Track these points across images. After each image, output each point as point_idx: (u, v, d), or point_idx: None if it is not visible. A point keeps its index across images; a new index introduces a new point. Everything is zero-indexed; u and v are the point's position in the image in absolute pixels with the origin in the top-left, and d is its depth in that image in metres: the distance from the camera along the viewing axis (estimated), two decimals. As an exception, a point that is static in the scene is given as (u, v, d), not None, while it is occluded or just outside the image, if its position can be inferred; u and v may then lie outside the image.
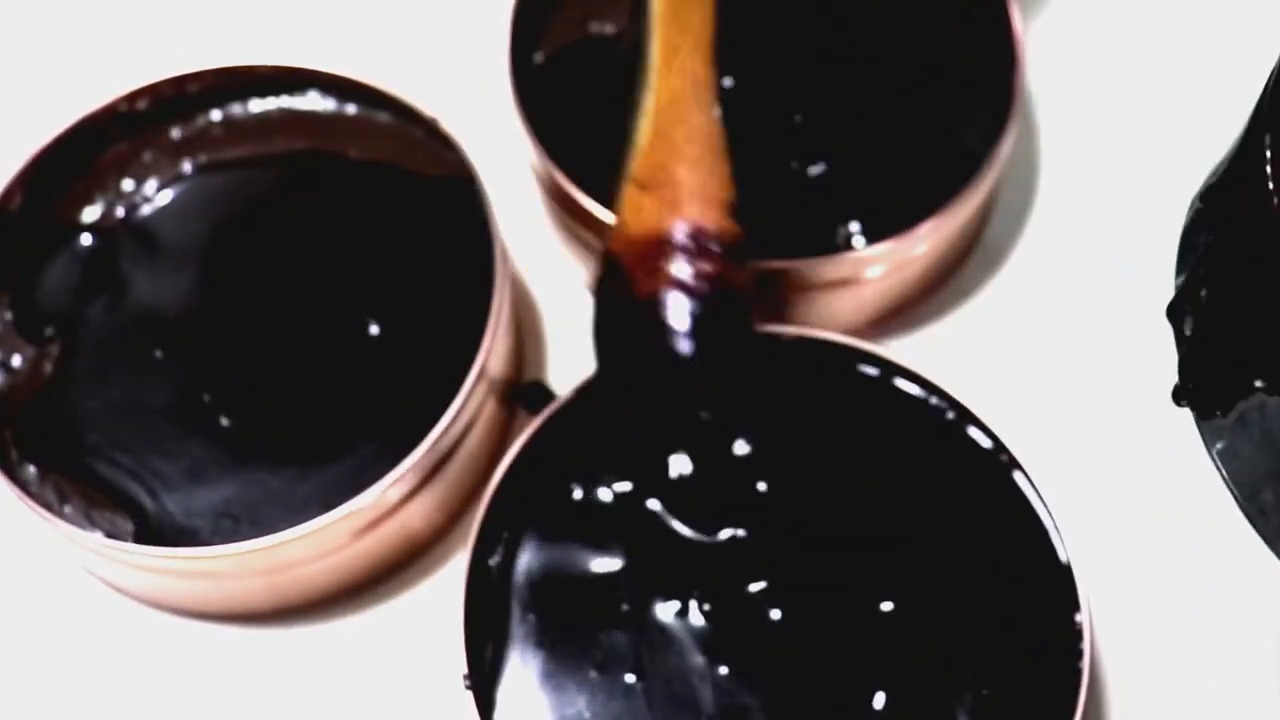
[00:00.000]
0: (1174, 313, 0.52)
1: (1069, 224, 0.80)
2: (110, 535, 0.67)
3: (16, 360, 0.71)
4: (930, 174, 0.73)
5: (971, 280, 0.79)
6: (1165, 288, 0.78)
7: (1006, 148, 0.74)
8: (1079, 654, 0.63)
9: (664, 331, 0.67)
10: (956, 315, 0.78)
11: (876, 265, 0.73)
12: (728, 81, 0.76)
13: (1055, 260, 0.79)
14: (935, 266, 0.77)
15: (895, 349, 0.71)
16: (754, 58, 0.77)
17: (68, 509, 0.68)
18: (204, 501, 0.68)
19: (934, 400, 0.69)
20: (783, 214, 0.73)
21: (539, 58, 0.78)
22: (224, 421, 0.69)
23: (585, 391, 0.69)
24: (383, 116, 0.76)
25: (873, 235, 0.72)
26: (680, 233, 0.67)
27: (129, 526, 0.67)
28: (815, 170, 0.74)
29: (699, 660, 0.64)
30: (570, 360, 0.77)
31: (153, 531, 0.67)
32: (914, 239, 0.72)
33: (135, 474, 0.69)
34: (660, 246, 0.68)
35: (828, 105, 0.76)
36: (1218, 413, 0.50)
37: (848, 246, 0.72)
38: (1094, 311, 0.77)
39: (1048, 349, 0.77)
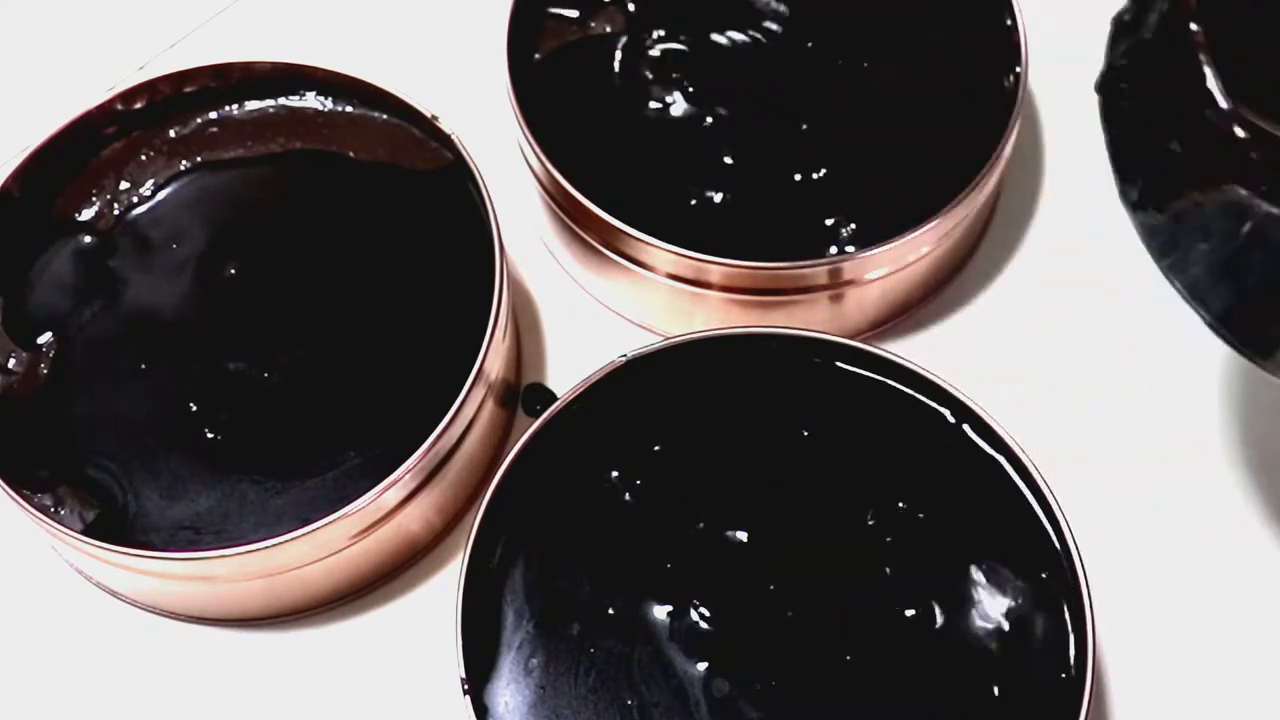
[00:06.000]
0: (1104, 88, 0.55)
1: (1072, 225, 0.80)
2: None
3: (13, 363, 0.71)
4: (933, 176, 0.73)
5: (974, 282, 0.79)
6: (1169, 287, 0.78)
7: (1009, 149, 0.74)
8: (1084, 654, 0.63)
9: None
10: (959, 317, 0.78)
11: (878, 267, 0.73)
12: (733, 84, 0.76)
13: (1058, 262, 0.79)
14: (937, 268, 0.76)
15: (897, 351, 0.71)
16: (759, 61, 0.77)
17: (63, 512, 0.67)
18: (175, 513, 0.68)
19: (935, 402, 0.69)
20: (785, 216, 0.73)
21: (537, 56, 0.77)
22: (209, 433, 0.69)
23: (585, 393, 0.69)
24: (381, 115, 0.76)
25: (874, 237, 0.72)
26: None
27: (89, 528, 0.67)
28: (818, 172, 0.74)
29: (698, 669, 0.64)
30: (570, 361, 0.77)
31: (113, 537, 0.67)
32: (915, 241, 0.72)
33: (118, 481, 0.68)
34: None
35: (830, 108, 0.76)
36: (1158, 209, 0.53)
37: (850, 248, 0.72)
38: (1097, 312, 0.77)
39: (1051, 351, 0.76)
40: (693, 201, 0.73)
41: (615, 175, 0.74)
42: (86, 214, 0.75)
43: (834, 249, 0.72)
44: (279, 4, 0.87)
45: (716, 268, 0.71)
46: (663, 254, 0.71)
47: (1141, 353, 0.76)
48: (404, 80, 0.75)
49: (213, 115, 0.76)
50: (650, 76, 0.77)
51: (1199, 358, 0.76)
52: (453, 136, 0.73)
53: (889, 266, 0.73)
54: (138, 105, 0.75)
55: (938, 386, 0.69)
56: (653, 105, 0.76)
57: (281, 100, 0.76)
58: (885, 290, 0.75)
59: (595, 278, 0.77)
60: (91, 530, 0.66)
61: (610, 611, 0.65)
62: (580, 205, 0.73)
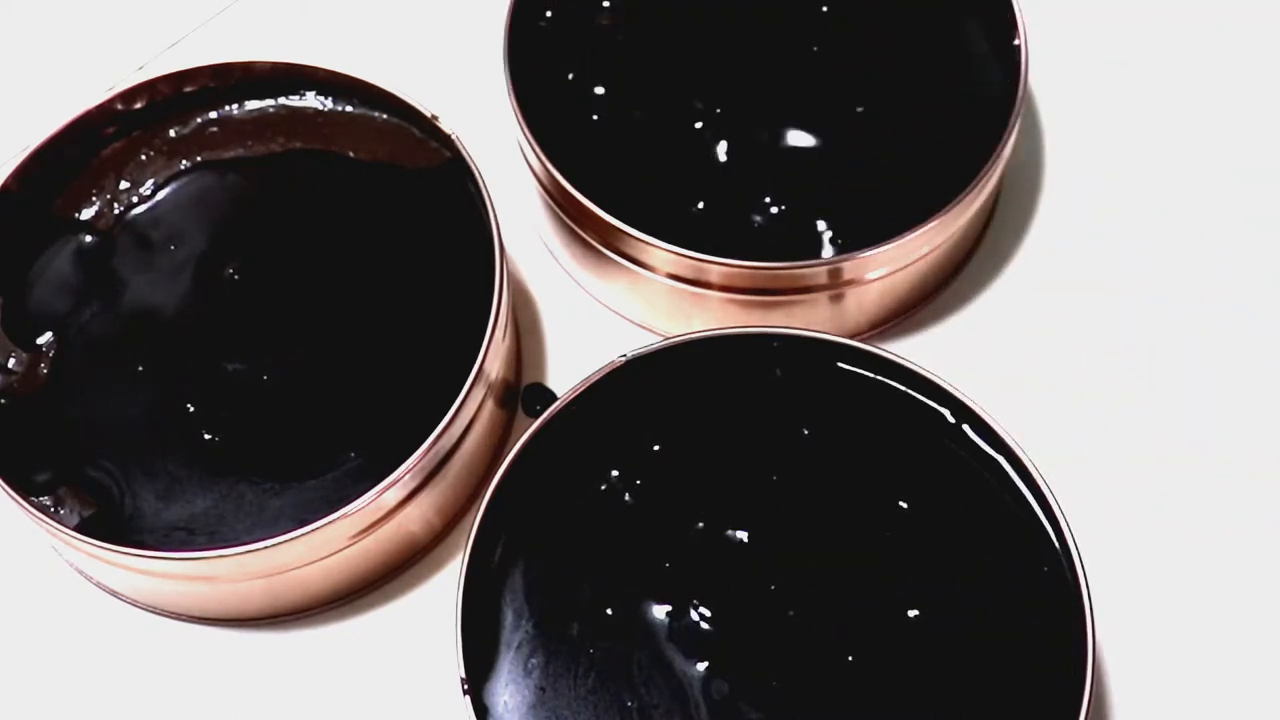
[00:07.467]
0: None
1: (1072, 225, 0.80)
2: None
3: (12, 363, 0.71)
4: (933, 176, 0.73)
5: (974, 282, 0.78)
6: (1169, 286, 0.78)
7: (1009, 149, 0.74)
8: (1083, 654, 0.63)
9: None
10: (959, 317, 0.78)
11: (878, 267, 0.73)
12: (734, 85, 0.76)
13: (1058, 262, 0.79)
14: (937, 268, 0.76)
15: (897, 350, 0.71)
16: (761, 61, 0.77)
17: (62, 512, 0.67)
18: (170, 514, 0.68)
19: (935, 402, 0.69)
20: (785, 215, 0.73)
21: (537, 56, 0.77)
22: (206, 434, 0.69)
23: (585, 393, 0.69)
24: (381, 115, 0.76)
25: (875, 237, 0.72)
26: None
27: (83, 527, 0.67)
28: (818, 172, 0.74)
29: (698, 670, 0.64)
30: (570, 361, 0.77)
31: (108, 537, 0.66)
32: (915, 241, 0.72)
33: (116, 481, 0.68)
34: None
35: (831, 108, 0.75)
36: None
37: (850, 249, 0.72)
38: (1097, 312, 0.77)
39: (1051, 351, 0.76)
40: (692, 201, 0.73)
41: (615, 175, 0.74)
42: (86, 214, 0.75)
43: (834, 249, 0.72)
44: (279, 4, 0.87)
45: (716, 267, 0.71)
46: (662, 254, 0.71)
47: (1141, 353, 0.76)
48: (404, 80, 0.75)
49: (213, 115, 0.76)
50: (650, 76, 0.77)
51: (1199, 358, 0.76)
52: (453, 136, 0.73)
53: (889, 266, 0.73)
54: (138, 105, 0.75)
55: (938, 386, 0.68)
56: (653, 105, 0.76)
57: (281, 100, 0.76)
58: (885, 290, 0.75)
59: (595, 278, 0.77)
60: (86, 530, 0.66)
61: (610, 611, 0.65)
62: (580, 205, 0.72)
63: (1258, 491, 0.73)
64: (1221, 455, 0.74)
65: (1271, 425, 0.74)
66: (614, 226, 0.72)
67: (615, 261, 0.74)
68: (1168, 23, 0.85)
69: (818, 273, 0.72)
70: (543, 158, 0.73)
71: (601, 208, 0.72)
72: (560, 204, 0.75)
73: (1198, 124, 0.82)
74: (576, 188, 0.72)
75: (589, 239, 0.75)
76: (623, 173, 0.74)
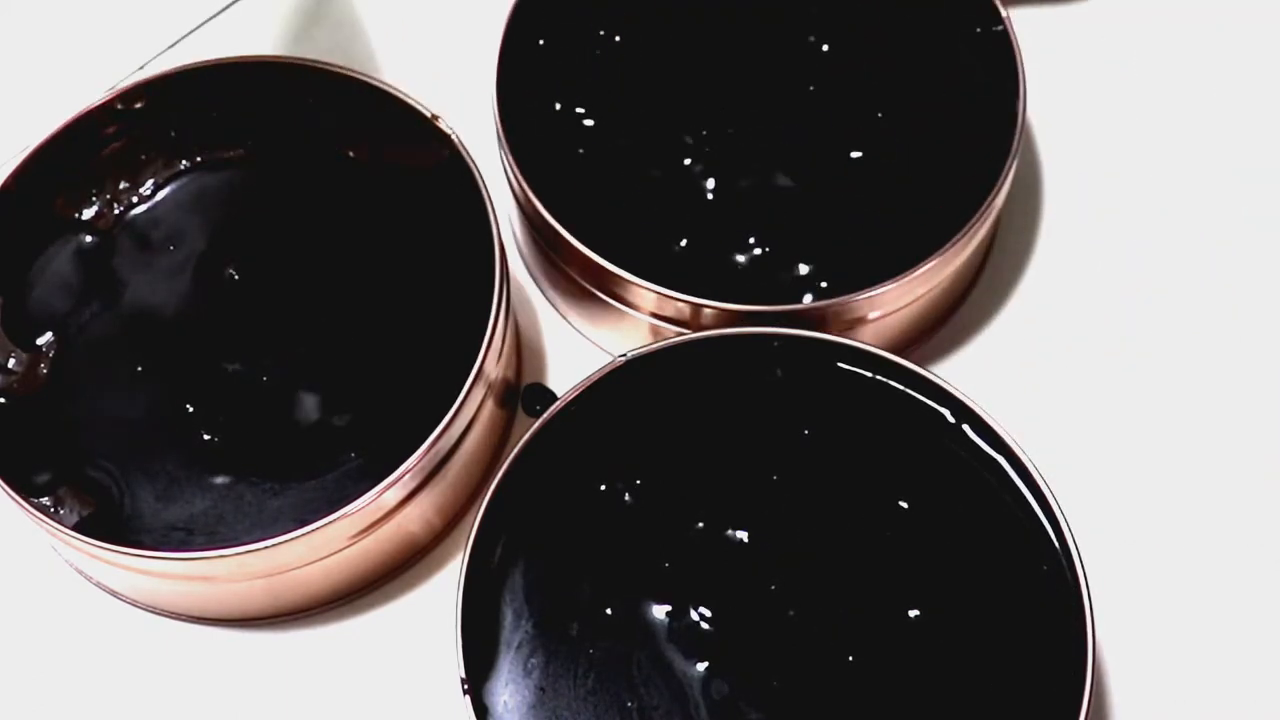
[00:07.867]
0: None
1: (1073, 225, 0.80)
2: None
3: (12, 363, 0.71)
4: (930, 214, 0.71)
5: (976, 313, 0.78)
6: (1169, 286, 0.78)
7: (1007, 183, 0.72)
8: (1083, 654, 0.63)
9: None
10: (960, 319, 0.78)
11: (872, 309, 0.71)
12: (730, 121, 0.75)
13: (1058, 263, 0.79)
14: (938, 304, 0.75)
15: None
16: (756, 98, 0.75)
17: (62, 512, 0.67)
18: (169, 514, 0.68)
19: (935, 402, 0.69)
20: (777, 257, 0.72)
21: (527, 83, 0.76)
22: (205, 434, 0.69)
23: (585, 393, 0.69)
24: (382, 115, 0.75)
25: (867, 280, 0.70)
26: None
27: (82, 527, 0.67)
28: (813, 213, 0.72)
29: (697, 670, 0.64)
30: (570, 361, 0.77)
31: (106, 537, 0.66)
32: (914, 281, 0.70)
33: (115, 482, 0.68)
34: None
35: (825, 148, 0.74)
36: None
37: (846, 290, 0.70)
38: (1097, 312, 0.77)
39: (1051, 351, 0.76)
40: (680, 240, 0.73)
41: (603, 213, 0.72)
42: (86, 214, 0.75)
43: (826, 291, 0.71)
44: (279, 4, 0.87)
45: (707, 310, 0.70)
46: (649, 294, 0.70)
47: (1142, 353, 0.76)
48: (404, 80, 0.75)
49: (213, 115, 0.76)
50: (642, 112, 0.75)
51: (1199, 358, 0.76)
52: (453, 136, 0.73)
53: (882, 309, 0.72)
54: (138, 105, 0.75)
55: (938, 386, 0.68)
56: (644, 145, 0.74)
57: (281, 100, 0.76)
58: (879, 331, 0.73)
59: (580, 317, 0.76)
60: (85, 529, 0.66)
61: (610, 611, 0.65)
62: (567, 244, 0.71)
63: (1258, 491, 0.73)
64: (1221, 455, 0.74)
65: (1271, 425, 0.74)
66: (604, 268, 0.70)
67: (602, 300, 0.73)
68: (1167, 24, 0.85)
69: (820, 315, 0.70)
70: (529, 192, 0.71)
71: (588, 246, 0.70)
72: (547, 242, 0.74)
73: (1197, 124, 0.82)
74: (563, 225, 0.71)
75: (575, 277, 0.73)
76: (611, 211, 0.73)
